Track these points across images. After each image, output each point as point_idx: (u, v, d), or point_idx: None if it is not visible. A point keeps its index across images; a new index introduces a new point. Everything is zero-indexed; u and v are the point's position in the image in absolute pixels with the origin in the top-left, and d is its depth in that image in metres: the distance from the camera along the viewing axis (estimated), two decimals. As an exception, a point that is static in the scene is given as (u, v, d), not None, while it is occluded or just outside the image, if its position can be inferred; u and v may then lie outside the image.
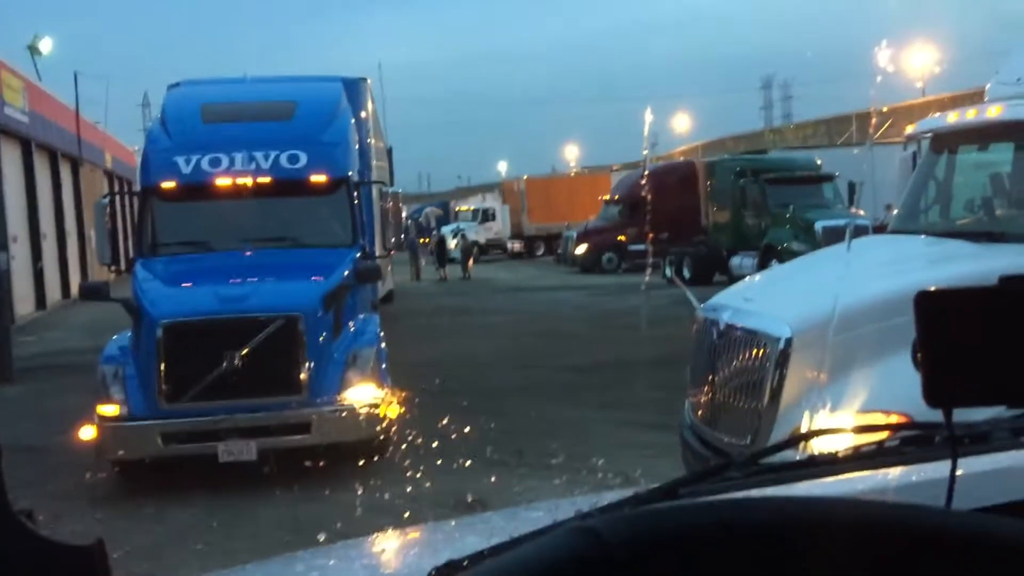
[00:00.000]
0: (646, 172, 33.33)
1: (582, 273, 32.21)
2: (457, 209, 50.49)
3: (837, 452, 1.48)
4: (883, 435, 1.55)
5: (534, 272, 35.36)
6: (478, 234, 39.46)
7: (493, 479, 7.86)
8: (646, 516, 0.72)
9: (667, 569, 0.67)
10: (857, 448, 1.49)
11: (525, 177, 45.68)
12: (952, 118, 6.71)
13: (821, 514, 0.73)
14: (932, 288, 1.06)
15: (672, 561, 0.67)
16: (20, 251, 23.11)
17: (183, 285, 9.18)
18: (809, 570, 0.68)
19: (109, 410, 7.99)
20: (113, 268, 10.46)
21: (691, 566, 0.67)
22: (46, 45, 34.06)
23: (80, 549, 0.81)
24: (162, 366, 7.95)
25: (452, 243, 36.99)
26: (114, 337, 8.82)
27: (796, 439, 1.58)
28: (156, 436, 7.88)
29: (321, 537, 5.88)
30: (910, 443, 1.48)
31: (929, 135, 6.97)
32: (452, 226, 42.10)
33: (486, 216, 45.48)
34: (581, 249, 33.40)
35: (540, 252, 42.93)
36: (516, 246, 43.43)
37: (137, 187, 10.36)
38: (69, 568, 0.80)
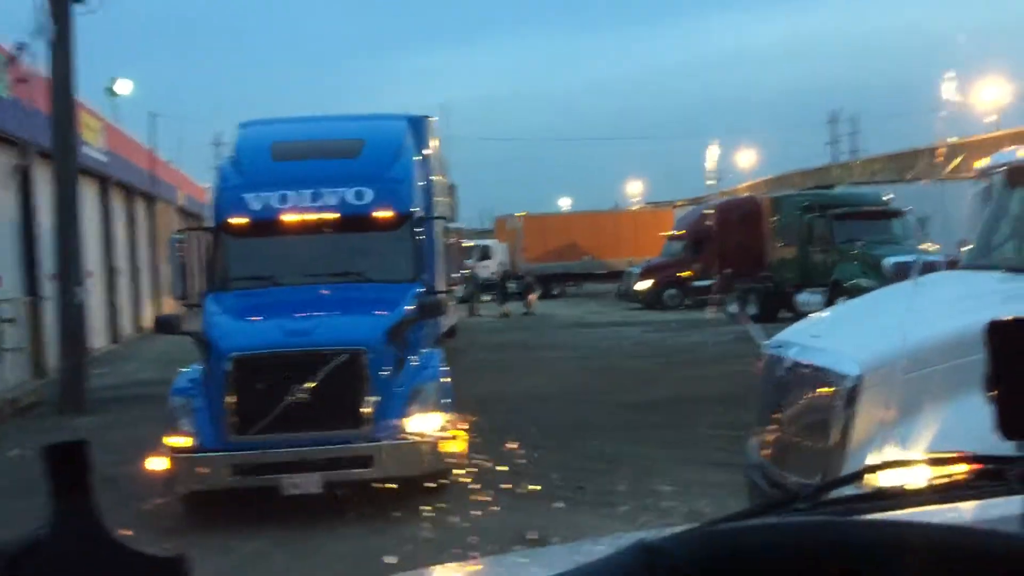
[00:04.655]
0: (706, 209, 33.05)
1: (644, 309, 32.00)
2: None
3: (906, 486, 1.44)
4: (955, 470, 1.51)
5: (595, 308, 35.24)
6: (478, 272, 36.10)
7: (556, 514, 7.81)
8: (713, 535, 0.71)
9: None
10: (928, 482, 1.45)
11: (523, 213, 43.89)
12: (1026, 152, 6.56)
13: (895, 537, 0.71)
14: (1004, 318, 1.04)
15: None
16: (95, 286, 23.80)
17: (251, 319, 9.36)
18: None
19: (178, 441, 8.15)
20: (184, 302, 10.71)
21: None
22: (124, 87, 35.25)
23: (166, 560, 0.83)
24: (230, 398, 8.09)
25: None
26: (184, 370, 9.00)
27: (864, 471, 1.54)
28: (224, 468, 8.00)
29: (384, 567, 5.90)
30: (983, 477, 1.44)
31: (1003, 169, 6.81)
32: None
33: (484, 254, 41.83)
34: (644, 285, 33.20)
35: (538, 294, 38.49)
36: (511, 287, 38.27)
37: (208, 223, 10.62)
38: None
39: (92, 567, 0.82)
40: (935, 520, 1.33)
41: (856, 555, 0.68)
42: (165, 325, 9.68)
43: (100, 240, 26.01)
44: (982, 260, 6.49)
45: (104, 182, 26.63)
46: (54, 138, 15.36)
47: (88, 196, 24.28)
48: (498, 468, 8.45)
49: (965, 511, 1.39)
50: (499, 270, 37.07)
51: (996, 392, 1.04)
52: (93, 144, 24.63)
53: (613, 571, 0.67)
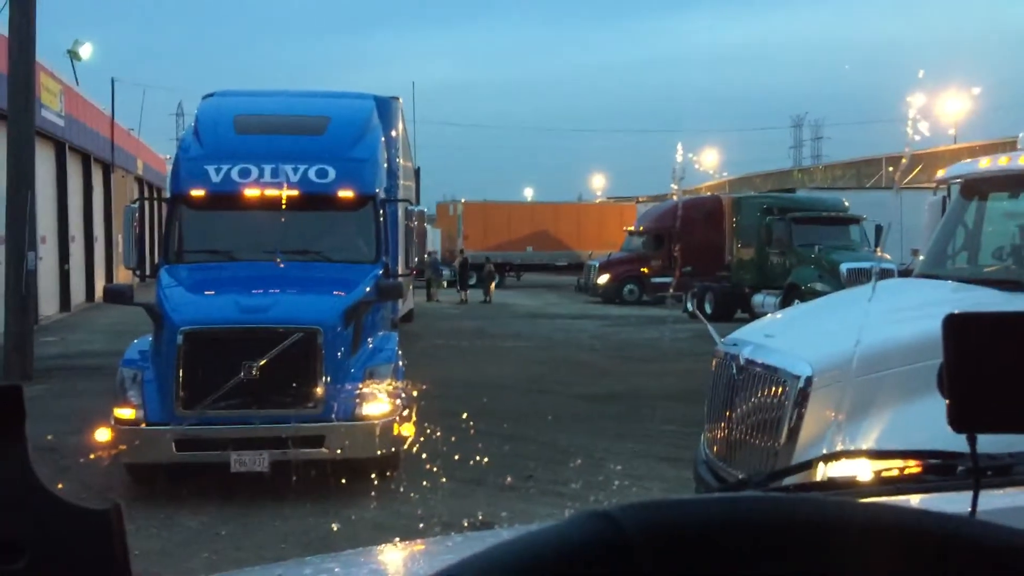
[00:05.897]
0: (676, 204, 33.28)
1: (603, 303, 32.15)
2: None
3: (856, 477, 1.45)
4: (904, 463, 1.53)
5: (554, 299, 35.33)
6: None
7: (505, 500, 7.82)
8: (669, 505, 0.70)
9: (686, 556, 0.64)
10: (877, 474, 1.46)
11: (463, 200, 43.68)
12: (984, 164, 6.67)
13: (847, 515, 0.70)
14: (960, 312, 1.04)
15: (692, 549, 0.64)
16: (48, 252, 23.36)
17: (205, 293, 9.23)
18: (830, 569, 0.66)
19: (125, 413, 8.03)
20: (138, 273, 10.54)
21: (710, 556, 0.64)
22: (86, 51, 34.58)
23: (98, 512, 0.81)
24: (180, 372, 7.98)
25: None
26: (135, 341, 8.87)
27: (815, 460, 1.55)
28: (170, 442, 7.90)
29: (329, 546, 5.85)
30: (932, 472, 1.45)
31: (960, 181, 6.91)
32: None
33: None
34: (603, 279, 33.35)
35: (472, 282, 35.55)
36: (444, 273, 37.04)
37: (167, 194, 10.45)
38: (88, 529, 0.80)
39: (21, 514, 0.79)
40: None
41: (816, 530, 0.68)
42: (114, 295, 9.52)
43: (54, 206, 25.51)
44: (935, 270, 6.59)
45: (60, 146, 26.11)
46: (10, 98, 15.00)
47: (43, 160, 23.78)
48: (449, 453, 8.43)
49: (912, 503, 1.40)
50: (460, 257, 36.98)
51: (949, 385, 1.05)
52: (51, 107, 24.13)
53: (564, 538, 0.65)
